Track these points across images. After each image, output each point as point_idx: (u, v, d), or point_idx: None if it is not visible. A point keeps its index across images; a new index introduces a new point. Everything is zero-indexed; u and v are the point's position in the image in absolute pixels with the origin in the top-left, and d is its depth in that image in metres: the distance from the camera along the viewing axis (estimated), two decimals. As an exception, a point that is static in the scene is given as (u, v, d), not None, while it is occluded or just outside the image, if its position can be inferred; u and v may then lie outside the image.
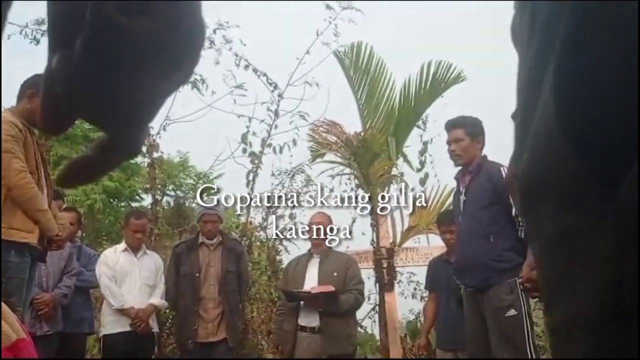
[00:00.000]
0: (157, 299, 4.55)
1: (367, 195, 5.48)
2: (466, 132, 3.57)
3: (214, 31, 5.75)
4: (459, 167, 3.66)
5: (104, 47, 0.34)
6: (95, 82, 0.35)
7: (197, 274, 4.48)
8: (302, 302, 4.17)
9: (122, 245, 4.70)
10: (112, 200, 11.98)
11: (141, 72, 0.35)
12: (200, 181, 13.12)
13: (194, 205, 11.04)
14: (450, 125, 3.65)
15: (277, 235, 6.55)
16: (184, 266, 4.52)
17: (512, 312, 3.16)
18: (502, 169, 3.41)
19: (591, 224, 0.34)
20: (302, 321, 4.15)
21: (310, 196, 6.47)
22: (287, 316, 4.22)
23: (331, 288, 4.10)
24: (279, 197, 6.48)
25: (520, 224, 3.30)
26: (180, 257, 4.56)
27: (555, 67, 0.34)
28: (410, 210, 5.69)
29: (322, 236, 4.40)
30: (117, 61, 0.34)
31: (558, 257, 0.38)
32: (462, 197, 3.56)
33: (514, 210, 3.30)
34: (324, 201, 5.78)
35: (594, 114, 0.33)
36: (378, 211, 5.47)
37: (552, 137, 0.35)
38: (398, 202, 5.69)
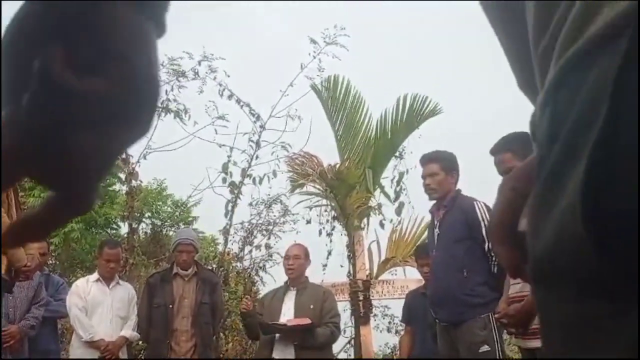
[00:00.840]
0: (129, 331, 4.45)
1: (343, 227, 5.49)
2: (441, 167, 3.62)
3: (199, 62, 5.81)
4: (434, 201, 3.70)
5: (52, 105, 0.33)
6: (43, 141, 0.33)
7: (171, 306, 4.40)
8: (277, 335, 4.11)
9: (95, 275, 4.62)
10: (88, 228, 11.79)
11: (92, 132, 0.34)
12: (178, 209, 13.03)
13: (171, 233, 10.95)
14: (426, 160, 3.70)
15: (252, 265, 6.52)
16: (157, 297, 4.44)
17: (486, 347, 3.16)
18: (475, 203, 3.46)
19: (612, 316, 0.32)
20: (277, 354, 4.08)
21: (289, 226, 6.49)
22: (261, 349, 4.15)
23: (307, 321, 4.06)
24: (256, 227, 6.47)
25: (494, 259, 3.32)
26: (154, 288, 4.48)
27: (587, 170, 0.33)
28: (387, 241, 5.72)
29: (298, 268, 4.36)
30: (66, 120, 0.33)
31: (573, 343, 0.36)
32: (437, 231, 3.59)
33: (486, 245, 3.33)
34: (300, 232, 5.80)
35: (621, 214, 0.31)
36: (355, 243, 5.47)
37: (578, 225, 0.33)
38: (375, 234, 5.73)
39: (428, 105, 5.92)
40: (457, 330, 3.31)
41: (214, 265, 6.14)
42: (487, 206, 3.44)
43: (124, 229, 5.90)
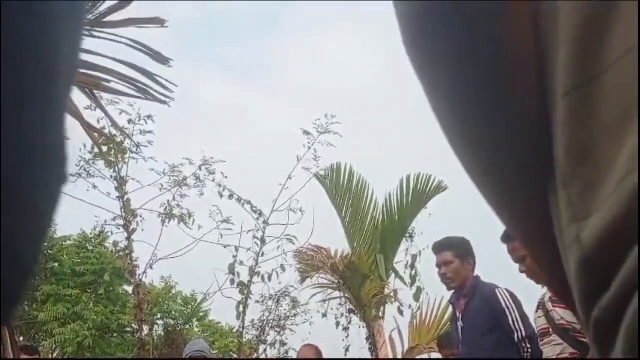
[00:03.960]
0: None
1: (361, 319, 5.26)
2: (455, 254, 3.46)
3: (199, 167, 5.86)
4: (452, 291, 3.52)
5: None
6: None
7: None
8: None
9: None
10: (102, 335, 11.50)
11: None
12: (188, 306, 12.75)
13: (185, 332, 10.63)
14: (438, 248, 3.55)
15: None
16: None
17: None
18: (497, 290, 3.27)
19: None
20: None
21: (302, 318, 6.24)
22: None
23: None
24: (267, 324, 6.25)
25: (526, 349, 3.10)
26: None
27: None
28: (408, 329, 5.46)
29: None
30: None
31: None
32: (460, 324, 3.38)
33: (516, 336, 3.12)
34: (313, 323, 5.57)
35: None
36: (375, 334, 5.21)
37: None
38: (395, 322, 5.47)
39: (433, 183, 5.85)
40: None
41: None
42: (509, 293, 3.25)
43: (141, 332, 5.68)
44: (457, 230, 3.76)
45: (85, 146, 5.74)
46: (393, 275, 5.70)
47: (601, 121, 0.33)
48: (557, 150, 0.36)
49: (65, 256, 12.12)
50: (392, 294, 5.49)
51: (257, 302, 6.01)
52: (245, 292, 5.61)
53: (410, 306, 5.56)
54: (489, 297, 3.27)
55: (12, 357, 2.80)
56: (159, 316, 11.92)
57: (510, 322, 3.14)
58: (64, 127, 0.35)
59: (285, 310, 6.28)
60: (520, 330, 3.12)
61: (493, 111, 0.40)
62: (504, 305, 3.20)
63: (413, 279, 5.63)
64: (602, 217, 0.32)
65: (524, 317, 3.18)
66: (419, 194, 5.83)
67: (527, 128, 0.40)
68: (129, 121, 5.75)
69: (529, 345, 3.11)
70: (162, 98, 3.90)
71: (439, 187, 5.82)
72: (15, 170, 0.31)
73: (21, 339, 4.62)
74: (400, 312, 5.44)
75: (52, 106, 0.34)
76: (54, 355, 9.65)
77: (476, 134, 0.42)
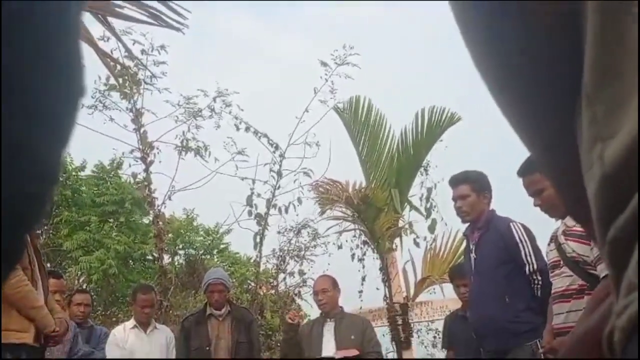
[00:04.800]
0: (169, 376, 4.41)
1: (374, 251, 5.37)
2: (471, 188, 3.48)
3: (214, 99, 5.83)
4: (467, 223, 3.56)
5: None
6: None
7: (208, 348, 4.34)
8: None
9: (131, 322, 4.60)
10: (125, 263, 11.92)
11: None
12: (210, 237, 13.09)
13: (205, 262, 10.97)
14: (454, 182, 3.56)
15: (287, 292, 6.45)
16: (194, 340, 4.39)
17: (536, 377, 2.99)
18: (512, 224, 3.31)
19: None
20: None
21: (321, 249, 6.40)
22: None
23: (355, 352, 4.02)
24: (287, 254, 6.42)
25: (537, 282, 3.16)
26: (189, 331, 4.43)
27: None
28: (422, 260, 5.57)
29: (329, 301, 4.28)
30: None
31: None
32: (473, 255, 3.44)
33: (527, 268, 3.18)
34: (332, 255, 5.71)
35: None
36: (388, 265, 5.34)
37: None
38: (409, 254, 5.58)
39: (447, 115, 5.78)
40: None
41: (248, 297, 6.09)
42: (524, 227, 3.29)
43: (160, 261, 5.89)
44: (471, 165, 3.74)
45: (100, 78, 5.73)
46: (408, 208, 5.77)
47: (631, 37, 0.32)
48: (584, 70, 0.36)
49: (84, 187, 12.37)
50: (406, 226, 5.57)
51: (279, 232, 6.18)
52: (262, 223, 5.74)
53: (425, 238, 5.66)
54: (503, 231, 3.31)
55: (40, 280, 2.94)
56: (180, 246, 12.26)
57: (523, 255, 3.20)
58: (77, 37, 0.35)
59: (305, 241, 6.44)
60: (532, 263, 3.18)
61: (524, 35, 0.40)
62: (517, 238, 3.25)
63: (428, 211, 5.69)
64: (627, 134, 0.32)
65: (536, 250, 3.23)
66: (433, 127, 5.79)
67: (557, 52, 0.40)
68: (142, 52, 5.70)
69: (539, 278, 3.17)
70: (176, 25, 3.83)
71: (452, 118, 5.76)
72: (38, 80, 0.32)
73: (48, 265, 4.83)
74: (416, 244, 5.55)
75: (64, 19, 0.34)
76: (81, 280, 10.06)
77: (507, 63, 0.42)
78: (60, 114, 0.33)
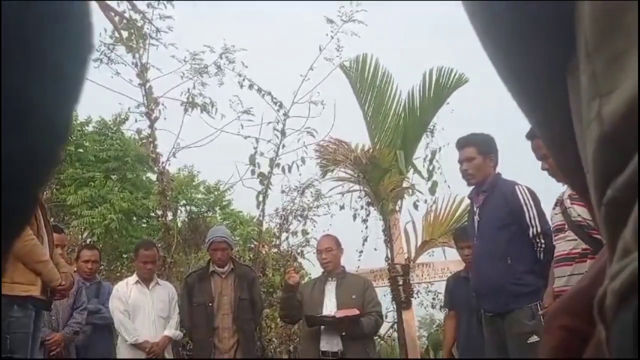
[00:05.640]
0: (172, 330, 4.49)
1: (378, 212, 5.38)
2: (478, 150, 3.45)
3: (220, 56, 5.74)
4: (472, 186, 3.54)
5: None
6: None
7: (210, 304, 4.40)
8: (322, 327, 4.07)
9: (134, 277, 4.65)
10: (128, 219, 12.01)
11: None
12: (211, 195, 13.14)
13: (208, 219, 11.05)
14: (461, 144, 3.53)
15: (290, 251, 6.50)
16: (197, 296, 4.45)
17: (535, 338, 3.03)
18: (517, 187, 3.29)
19: None
20: (324, 346, 4.05)
21: (324, 210, 6.43)
22: (307, 340, 4.10)
23: (355, 312, 4.04)
24: (290, 213, 6.44)
25: (540, 245, 3.17)
26: (192, 287, 4.49)
27: None
28: (422, 222, 5.60)
29: (333, 260, 4.31)
30: None
31: None
32: (477, 218, 3.44)
33: (531, 231, 3.18)
34: (334, 215, 5.73)
35: None
36: (391, 227, 5.36)
37: None
38: (410, 215, 5.60)
39: (454, 76, 5.68)
40: (504, 321, 3.19)
41: (251, 255, 6.14)
42: (529, 190, 3.28)
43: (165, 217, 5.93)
44: (479, 128, 3.70)
45: (105, 30, 5.63)
46: (412, 170, 5.74)
47: None
48: (583, 24, 0.34)
49: (87, 142, 12.36)
50: (410, 188, 5.56)
51: (283, 192, 6.18)
52: (265, 182, 5.73)
53: (425, 201, 5.66)
54: (508, 194, 3.30)
55: (46, 235, 2.95)
56: (182, 203, 12.31)
57: (527, 219, 3.20)
58: None
59: (308, 201, 6.46)
60: (536, 226, 3.18)
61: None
62: (522, 201, 3.24)
63: (430, 173, 5.67)
64: (626, 90, 0.30)
65: (540, 213, 3.23)
66: (440, 88, 5.70)
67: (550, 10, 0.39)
68: (148, 5, 5.58)
69: (542, 241, 3.18)
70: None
71: (460, 79, 5.67)
72: (47, 39, 0.31)
73: (52, 219, 4.88)
74: (415, 207, 5.55)
75: None
76: (84, 235, 10.16)
77: (501, 23, 0.42)
78: (70, 72, 0.34)
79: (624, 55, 0.31)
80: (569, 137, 0.39)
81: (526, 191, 3.26)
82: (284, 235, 6.54)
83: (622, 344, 0.30)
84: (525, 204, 3.22)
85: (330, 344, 4.05)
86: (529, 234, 3.19)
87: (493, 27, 0.43)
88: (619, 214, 0.31)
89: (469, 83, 5.71)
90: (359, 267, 5.48)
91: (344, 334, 4.01)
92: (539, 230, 3.16)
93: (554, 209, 3.06)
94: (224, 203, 13.43)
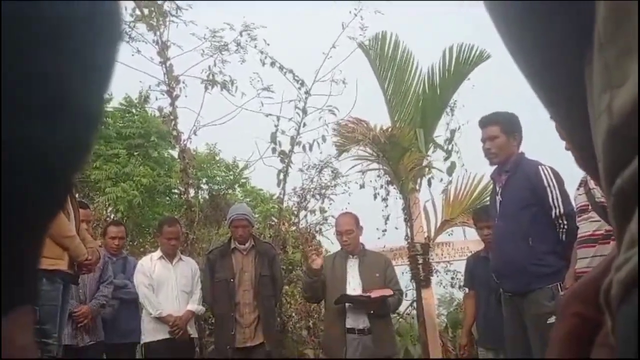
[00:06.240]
0: (194, 305, 4.58)
1: (398, 191, 5.37)
2: (501, 129, 3.42)
3: (240, 33, 5.72)
4: (494, 166, 3.51)
5: None
6: None
7: (232, 280, 4.48)
8: (347, 305, 4.12)
9: (158, 253, 4.74)
10: (150, 196, 12.18)
11: None
12: (231, 173, 13.24)
13: (228, 196, 11.15)
14: (484, 122, 3.50)
15: (309, 229, 6.54)
16: (218, 272, 4.53)
17: (554, 319, 3.01)
18: (540, 167, 3.26)
19: None
20: (350, 323, 4.12)
21: (341, 188, 6.44)
22: (334, 319, 4.13)
23: (389, 291, 4.13)
24: (308, 192, 6.47)
25: (562, 226, 3.15)
26: (214, 263, 4.57)
27: None
28: (441, 201, 5.58)
29: (353, 241, 4.33)
30: None
31: None
32: (499, 198, 3.42)
33: (554, 212, 3.15)
34: (352, 194, 5.74)
35: None
36: (410, 205, 5.35)
37: None
38: (430, 194, 5.58)
39: (475, 53, 5.57)
40: (524, 301, 3.19)
41: (271, 232, 6.20)
42: (553, 170, 3.24)
43: (187, 194, 6.01)
44: (500, 106, 3.65)
45: (126, 9, 5.64)
46: (432, 149, 5.69)
47: None
48: (598, 18, 0.34)
49: (110, 119, 12.49)
50: (429, 167, 5.53)
51: (300, 170, 6.19)
52: (286, 160, 5.75)
53: (441, 180, 5.62)
54: (531, 174, 3.27)
55: (72, 211, 3.02)
56: (203, 181, 12.43)
57: (550, 199, 3.17)
58: None
59: (326, 180, 6.47)
60: (559, 207, 3.15)
61: None
62: (545, 182, 3.21)
63: (449, 152, 5.62)
64: (635, 84, 0.30)
65: (564, 194, 3.20)
66: (461, 65, 5.59)
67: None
68: (168, -18, 5.57)
69: (565, 222, 3.15)
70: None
71: (482, 55, 5.56)
72: (80, 30, 0.32)
73: (77, 195, 4.97)
74: (429, 184, 5.51)
75: None
76: (108, 211, 10.33)
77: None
78: (101, 63, 0.34)
79: (634, 47, 0.31)
80: (588, 133, 0.39)
81: (549, 171, 3.22)
82: (302, 213, 6.58)
83: (626, 335, 0.31)
84: (549, 185, 3.19)
85: (356, 321, 4.12)
86: (551, 215, 3.16)
87: (513, 26, 0.43)
88: (627, 204, 0.32)
89: (491, 59, 5.62)
90: (385, 246, 5.51)
91: (372, 312, 4.08)
92: (561, 211, 3.14)
93: (578, 189, 3.03)
94: (242, 180, 13.53)
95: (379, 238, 5.45)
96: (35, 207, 0.31)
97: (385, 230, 5.56)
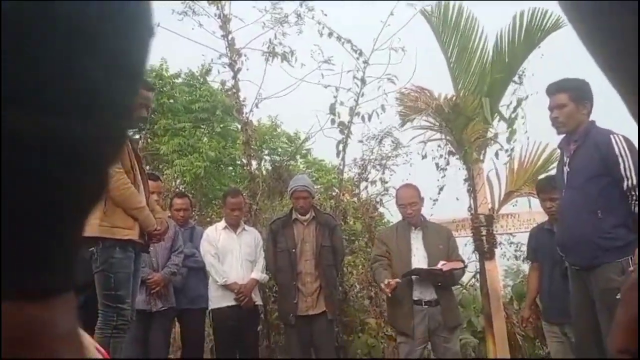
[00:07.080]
0: (258, 273, 4.73)
1: (461, 161, 5.25)
2: (570, 97, 3.26)
3: (300, 4, 5.71)
4: (562, 135, 3.37)
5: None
6: None
7: (293, 250, 4.58)
8: (413, 276, 4.13)
9: (222, 223, 4.91)
10: (216, 166, 12.54)
11: None
12: (292, 144, 13.37)
13: (290, 167, 11.30)
14: (552, 90, 3.34)
15: (369, 200, 6.54)
16: (280, 242, 4.64)
17: (625, 294, 2.90)
18: (612, 136, 3.09)
19: None
20: (417, 295, 4.14)
21: (402, 159, 6.38)
22: (401, 291, 4.11)
23: (460, 265, 4.19)
24: (369, 163, 6.45)
25: (634, 197, 2.99)
26: (276, 234, 4.68)
27: None
28: (507, 171, 5.41)
29: (416, 213, 4.32)
30: None
31: None
32: (566, 168, 3.29)
33: (626, 184, 3.00)
34: (413, 164, 5.66)
35: None
36: (474, 176, 5.23)
37: None
38: (494, 164, 5.42)
39: (549, 20, 5.26)
40: (591, 275, 3.09)
41: (332, 203, 6.25)
42: (626, 139, 3.06)
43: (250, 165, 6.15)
44: (571, 73, 3.45)
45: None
46: (497, 118, 5.50)
47: None
48: None
49: (177, 94, 12.86)
50: (494, 139, 5.36)
51: (360, 141, 6.18)
52: (345, 132, 5.75)
53: (507, 150, 5.43)
54: (601, 143, 3.11)
55: (142, 183, 3.17)
56: (266, 152, 12.64)
57: (622, 169, 3.01)
58: None
59: (387, 150, 6.42)
60: (631, 178, 2.99)
61: None
62: (617, 151, 3.04)
63: (512, 121, 5.39)
64: None
65: (637, 165, 3.03)
66: (532, 32, 5.30)
67: None
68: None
69: (638, 193, 2.99)
70: None
71: (556, 23, 5.24)
72: (110, 28, 0.33)
73: (147, 167, 5.20)
74: (496, 155, 5.34)
75: None
76: (176, 182, 10.73)
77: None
78: (132, 61, 0.35)
79: None
80: None
81: (622, 140, 3.05)
82: (363, 184, 6.58)
83: None
84: (621, 154, 3.03)
85: (424, 293, 4.14)
86: (622, 186, 3.01)
87: (593, 27, 0.43)
88: None
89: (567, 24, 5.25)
90: (454, 219, 5.44)
91: (439, 284, 4.10)
92: (634, 182, 2.97)
93: (652, 159, 2.86)
94: (304, 152, 13.64)
95: (432, 207, 5.39)
96: (75, 197, 0.33)
97: (436, 200, 5.50)
